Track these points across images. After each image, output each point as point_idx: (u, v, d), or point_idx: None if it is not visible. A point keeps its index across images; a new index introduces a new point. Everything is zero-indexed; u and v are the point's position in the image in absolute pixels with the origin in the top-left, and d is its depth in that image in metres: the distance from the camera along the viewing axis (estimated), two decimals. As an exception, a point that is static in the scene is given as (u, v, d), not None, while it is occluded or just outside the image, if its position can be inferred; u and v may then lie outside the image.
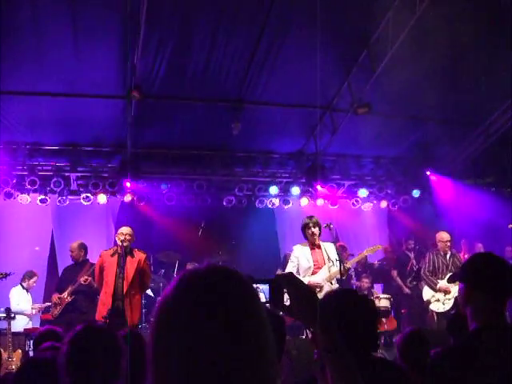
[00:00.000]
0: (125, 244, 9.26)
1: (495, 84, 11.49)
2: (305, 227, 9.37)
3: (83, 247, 10.93)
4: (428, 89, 11.58)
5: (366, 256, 13.35)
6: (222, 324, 1.42)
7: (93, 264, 10.47)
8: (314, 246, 9.38)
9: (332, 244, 9.49)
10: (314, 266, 9.24)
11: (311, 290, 1.99)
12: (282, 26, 10.10)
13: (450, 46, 10.50)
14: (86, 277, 10.33)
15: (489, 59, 10.92)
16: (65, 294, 10.46)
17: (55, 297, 10.58)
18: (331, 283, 9.22)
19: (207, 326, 1.42)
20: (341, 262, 9.01)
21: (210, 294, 1.46)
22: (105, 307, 9.07)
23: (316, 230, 9.32)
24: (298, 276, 8.24)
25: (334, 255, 9.24)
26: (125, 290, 9.10)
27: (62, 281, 10.91)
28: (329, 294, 3.35)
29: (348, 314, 3.01)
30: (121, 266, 9.28)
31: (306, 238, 9.44)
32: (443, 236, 10.92)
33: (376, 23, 10.25)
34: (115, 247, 9.63)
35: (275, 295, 1.92)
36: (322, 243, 9.46)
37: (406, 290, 12.94)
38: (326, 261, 9.29)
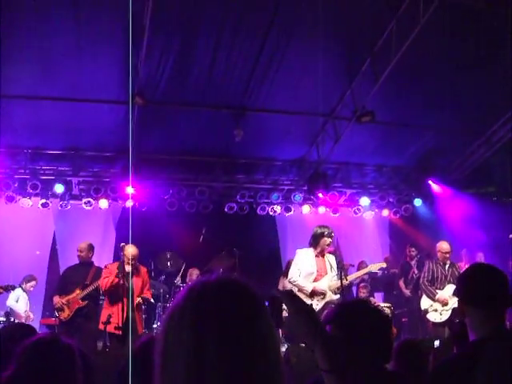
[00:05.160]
0: (132, 262, 9.50)
1: (498, 94, 11.51)
2: (321, 236, 9.33)
3: (92, 248, 10.75)
4: (431, 98, 11.62)
5: (367, 265, 13.41)
6: (230, 337, 1.43)
7: (98, 267, 10.44)
8: (319, 254, 9.38)
9: (333, 256, 9.55)
10: (316, 272, 9.24)
11: (311, 309, 1.98)
12: (286, 33, 10.10)
13: (453, 55, 10.53)
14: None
15: (491, 69, 10.93)
16: (75, 296, 10.11)
17: (60, 300, 10.14)
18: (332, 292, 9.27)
19: (215, 339, 1.42)
20: (342, 273, 9.05)
21: (219, 308, 1.47)
22: (108, 316, 9.22)
23: (330, 242, 9.35)
24: (300, 281, 8.28)
25: (335, 266, 9.37)
26: (135, 303, 9.50)
27: (66, 282, 10.49)
28: (332, 308, 3.31)
29: (361, 325, 3.00)
30: (128, 280, 9.37)
31: (314, 244, 9.39)
32: (443, 246, 10.80)
33: (380, 31, 10.25)
34: (120, 262, 9.70)
35: (274, 312, 1.92)
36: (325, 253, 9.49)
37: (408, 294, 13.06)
38: (329, 270, 9.32)
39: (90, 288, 10.11)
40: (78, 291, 10.15)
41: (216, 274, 1.57)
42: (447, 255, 10.68)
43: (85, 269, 10.43)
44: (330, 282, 9.24)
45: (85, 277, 10.30)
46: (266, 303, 1.91)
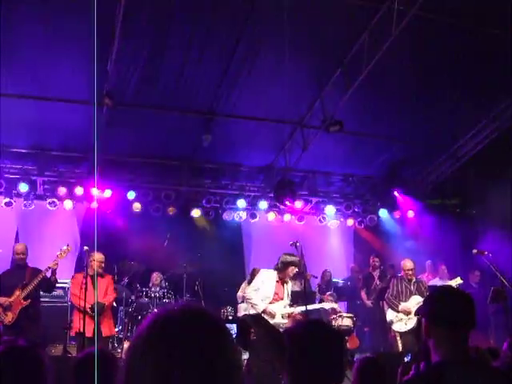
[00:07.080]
0: (99, 270, 9.88)
1: (465, 109, 11.65)
2: (290, 264, 9.33)
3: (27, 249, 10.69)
4: (400, 110, 11.71)
5: (331, 274, 13.50)
6: (194, 369, 1.41)
7: (35, 268, 10.27)
8: (280, 279, 9.39)
9: (290, 283, 9.73)
10: (273, 297, 9.28)
11: (278, 330, 1.98)
12: (257, 40, 10.08)
13: (424, 69, 10.62)
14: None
15: (460, 84, 11.06)
16: (17, 298, 9.75)
17: (7, 299, 9.73)
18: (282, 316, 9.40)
19: (179, 370, 1.40)
20: (305, 283, 9.18)
21: (183, 340, 1.45)
22: (80, 322, 9.30)
23: (296, 271, 9.42)
24: (255, 299, 8.36)
25: (290, 294, 9.60)
26: (100, 307, 9.66)
27: (4, 287, 10.00)
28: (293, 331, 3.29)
29: (314, 345, 2.99)
30: (95, 287, 9.61)
31: (281, 270, 9.38)
32: (406, 264, 10.82)
33: (352, 42, 10.30)
34: (85, 272, 9.70)
35: (242, 335, 1.92)
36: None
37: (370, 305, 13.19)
38: (285, 297, 9.40)
39: (31, 287, 9.91)
40: (17, 292, 9.89)
41: (179, 305, 1.55)
42: (410, 272, 10.73)
43: (21, 271, 10.21)
44: (282, 307, 9.34)
45: (21, 279, 10.08)
46: (235, 326, 1.91)
